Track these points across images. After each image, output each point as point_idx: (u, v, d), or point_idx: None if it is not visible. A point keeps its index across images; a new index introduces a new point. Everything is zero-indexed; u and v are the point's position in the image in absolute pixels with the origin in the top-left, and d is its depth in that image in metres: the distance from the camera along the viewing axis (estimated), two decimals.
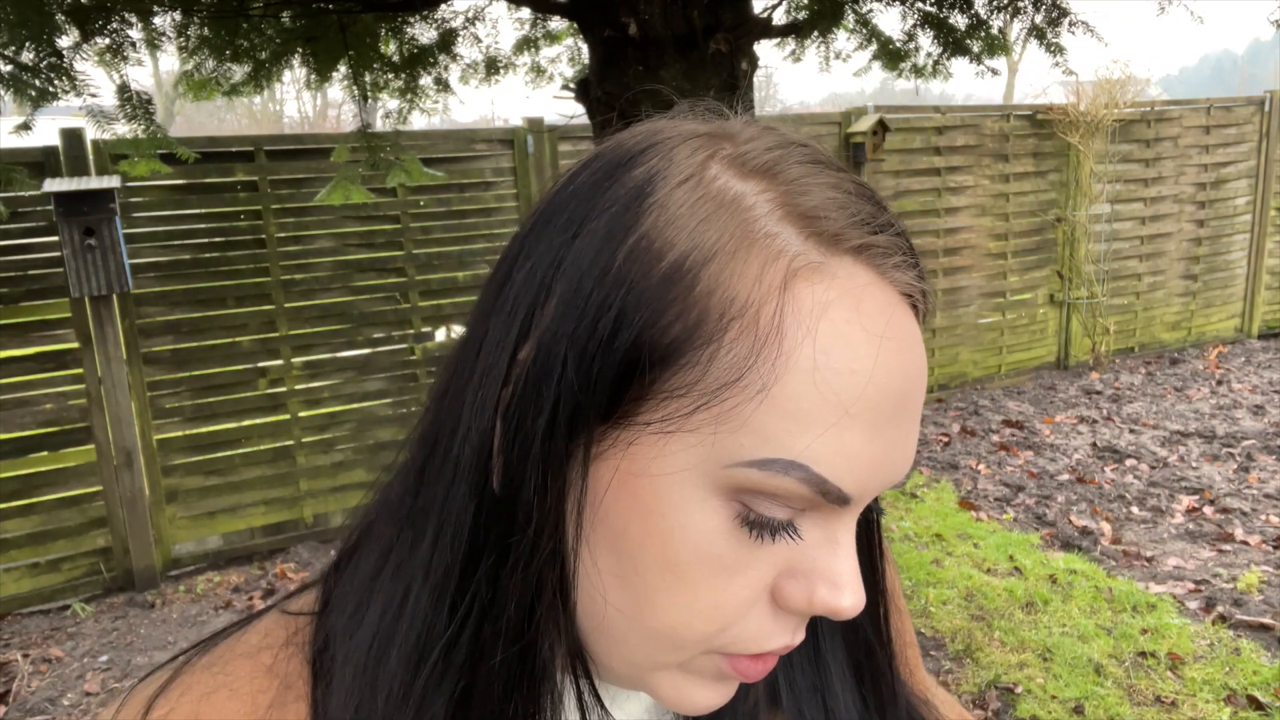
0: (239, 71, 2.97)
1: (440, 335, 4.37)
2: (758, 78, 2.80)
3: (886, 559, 0.55)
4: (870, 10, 3.14)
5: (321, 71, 2.94)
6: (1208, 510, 4.10)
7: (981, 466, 4.79)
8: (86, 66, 2.24)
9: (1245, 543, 3.76)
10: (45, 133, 3.13)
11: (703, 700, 0.41)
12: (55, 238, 3.53)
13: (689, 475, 0.36)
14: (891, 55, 3.27)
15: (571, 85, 2.76)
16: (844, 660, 0.51)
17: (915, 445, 0.39)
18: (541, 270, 0.38)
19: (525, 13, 3.50)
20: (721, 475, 0.36)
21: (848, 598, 0.38)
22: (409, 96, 3.27)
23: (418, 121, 3.63)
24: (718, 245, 0.36)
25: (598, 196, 0.39)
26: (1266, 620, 3.10)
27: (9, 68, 2.12)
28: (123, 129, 2.34)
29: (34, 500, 3.66)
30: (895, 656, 0.53)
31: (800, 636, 0.40)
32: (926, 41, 3.12)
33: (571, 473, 0.38)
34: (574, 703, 0.42)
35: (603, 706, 0.43)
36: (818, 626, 0.51)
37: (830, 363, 0.36)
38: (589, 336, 0.36)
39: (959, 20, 2.97)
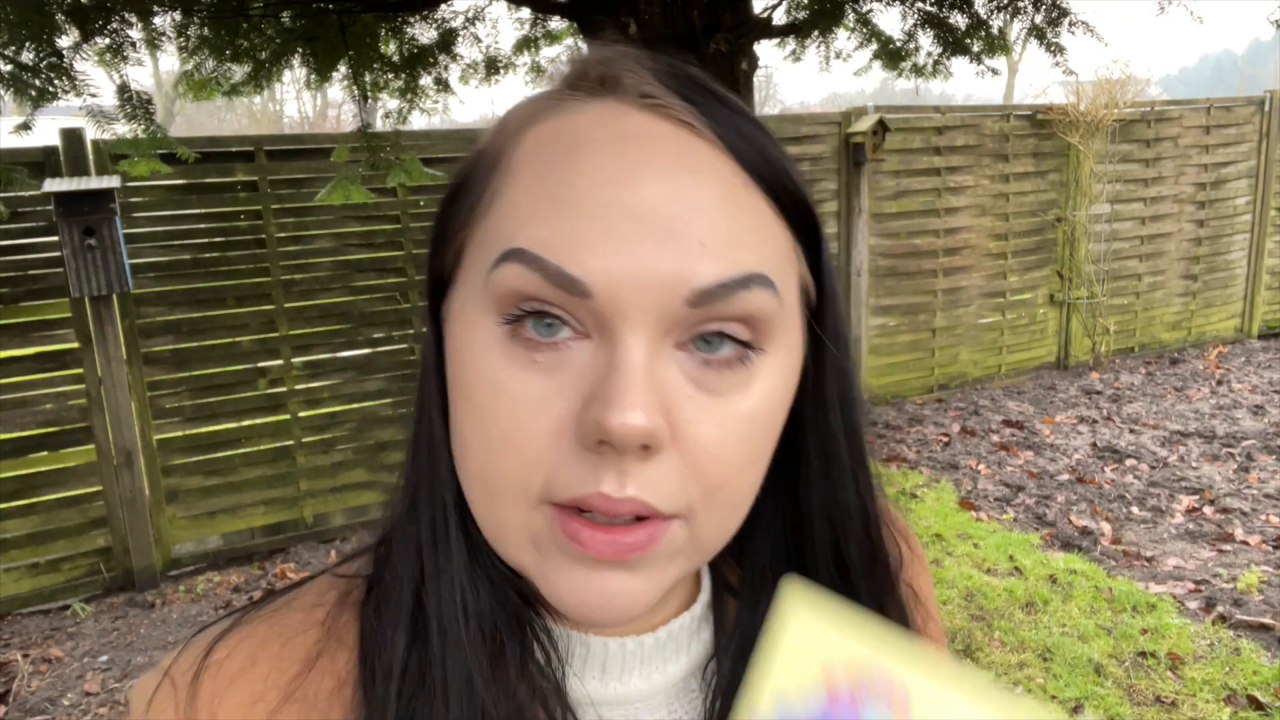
0: (239, 71, 2.97)
1: None
2: (758, 78, 2.80)
3: (917, 557, 0.56)
4: (870, 10, 3.14)
5: (321, 71, 2.94)
6: (1208, 510, 4.10)
7: (981, 466, 4.79)
8: (86, 66, 2.23)
9: (1245, 543, 3.76)
10: (45, 133, 3.13)
11: (572, 594, 0.41)
12: (55, 238, 3.53)
13: (470, 304, 0.42)
14: (892, 55, 3.27)
15: None
16: None
17: (709, 260, 0.39)
18: None
19: (525, 13, 3.50)
20: (481, 294, 0.41)
21: (615, 413, 0.36)
22: (409, 96, 3.27)
23: (418, 121, 3.62)
24: (496, 123, 0.46)
25: None
26: (1266, 620, 3.10)
27: (9, 68, 2.12)
28: (123, 129, 2.34)
29: (34, 500, 3.66)
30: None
31: (630, 487, 0.38)
32: (926, 41, 3.12)
33: (439, 347, 0.46)
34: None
35: (537, 613, 0.47)
36: None
37: (552, 168, 0.41)
38: (432, 238, 0.47)
39: (959, 20, 2.97)
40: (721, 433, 0.40)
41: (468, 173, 0.46)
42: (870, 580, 0.52)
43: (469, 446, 0.42)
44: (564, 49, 3.87)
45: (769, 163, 0.43)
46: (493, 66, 3.59)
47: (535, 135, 0.43)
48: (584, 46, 3.23)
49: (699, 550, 0.43)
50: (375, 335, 4.22)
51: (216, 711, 0.44)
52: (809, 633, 0.33)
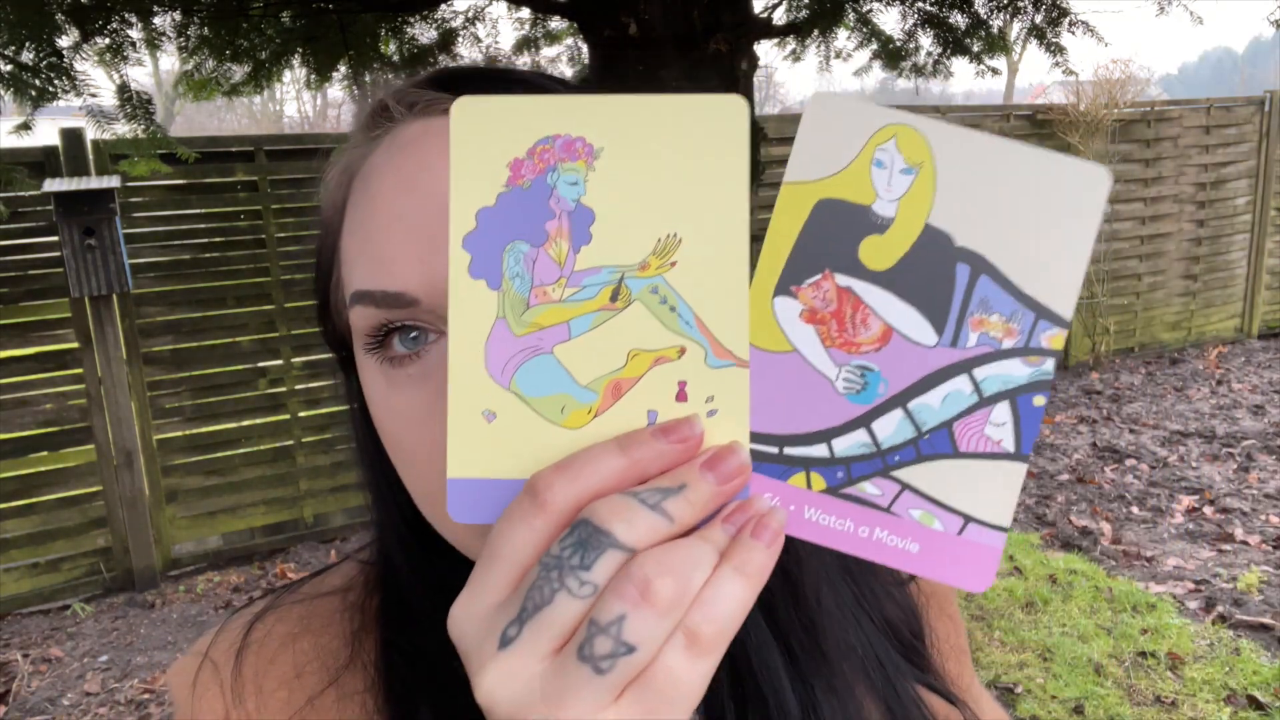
0: (239, 71, 2.96)
1: None
2: (758, 77, 2.80)
3: None
4: (870, 9, 3.14)
5: (321, 71, 2.94)
6: (1208, 510, 4.10)
7: None
8: (86, 66, 2.23)
9: (1245, 543, 3.76)
10: (45, 133, 3.13)
11: None
12: (55, 238, 3.53)
13: (359, 354, 0.45)
14: (892, 54, 3.27)
15: None
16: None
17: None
18: None
19: (525, 13, 3.50)
20: (356, 339, 0.45)
21: None
22: None
23: None
24: (321, 194, 0.51)
25: None
26: (1266, 620, 3.10)
27: (9, 68, 2.12)
28: (123, 129, 2.33)
29: (34, 500, 3.66)
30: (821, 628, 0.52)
31: None
32: (927, 41, 3.12)
33: (357, 391, 0.50)
34: None
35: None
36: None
37: (358, 208, 0.45)
38: (317, 310, 0.53)
39: (959, 20, 2.97)
40: None
41: (319, 247, 0.51)
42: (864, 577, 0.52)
43: (401, 473, 0.45)
44: (564, 49, 3.86)
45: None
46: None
47: (352, 193, 0.47)
48: (583, 47, 3.23)
49: None
50: None
51: (262, 685, 0.47)
52: (484, 141, 0.34)
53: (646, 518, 0.31)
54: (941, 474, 0.36)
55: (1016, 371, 0.36)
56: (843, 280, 0.36)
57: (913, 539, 0.36)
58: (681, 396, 0.34)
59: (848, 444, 0.36)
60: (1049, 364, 0.36)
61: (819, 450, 0.36)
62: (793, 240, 0.36)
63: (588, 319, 0.34)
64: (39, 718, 2.97)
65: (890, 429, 0.36)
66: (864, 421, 0.36)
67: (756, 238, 0.36)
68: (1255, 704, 2.66)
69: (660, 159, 0.34)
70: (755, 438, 0.36)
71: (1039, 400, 0.36)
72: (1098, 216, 0.35)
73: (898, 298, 0.36)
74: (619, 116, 0.34)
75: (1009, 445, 0.36)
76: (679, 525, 0.32)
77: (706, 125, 0.34)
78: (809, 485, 0.36)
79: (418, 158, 0.43)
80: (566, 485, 0.31)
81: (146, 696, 3.07)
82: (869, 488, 0.36)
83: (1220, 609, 3.20)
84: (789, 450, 0.36)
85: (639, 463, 0.32)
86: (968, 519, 0.36)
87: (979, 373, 0.36)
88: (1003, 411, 0.36)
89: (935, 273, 0.35)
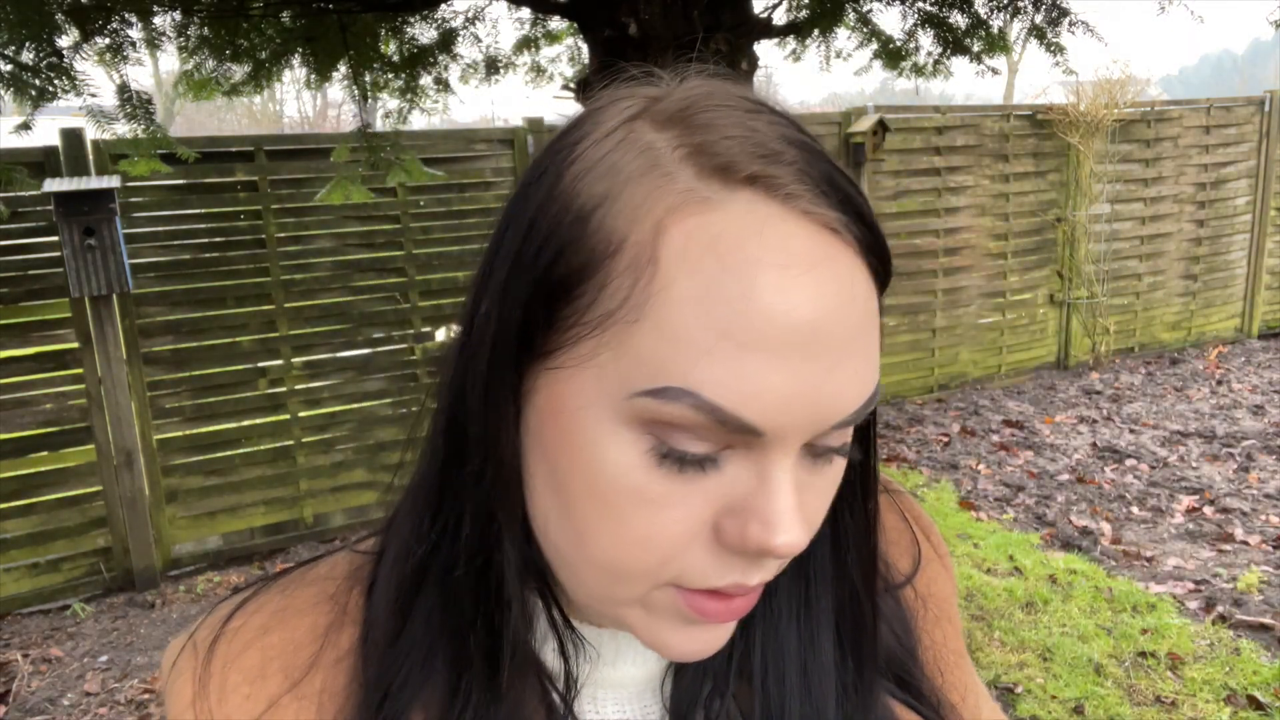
0: (239, 71, 2.97)
1: (440, 335, 4.37)
2: (758, 78, 2.80)
3: (939, 556, 0.59)
4: (870, 9, 3.14)
5: (321, 71, 2.94)
6: (1208, 510, 4.10)
7: (981, 466, 4.79)
8: (86, 66, 2.23)
9: (1245, 543, 3.76)
10: (45, 133, 3.13)
11: (677, 644, 0.42)
12: (55, 238, 3.53)
13: (598, 409, 0.39)
14: (892, 54, 3.27)
15: (571, 85, 2.76)
16: (830, 623, 0.51)
17: (858, 381, 0.39)
18: (494, 238, 0.44)
19: (525, 13, 3.50)
20: (625, 407, 0.38)
21: (780, 535, 0.38)
22: (409, 96, 3.27)
23: (418, 121, 3.63)
24: (610, 190, 0.39)
25: (539, 164, 0.43)
26: (1266, 620, 3.10)
27: (9, 67, 2.12)
28: (123, 129, 2.34)
29: (34, 500, 3.66)
30: (879, 614, 0.53)
31: (757, 577, 0.40)
32: (927, 41, 3.12)
33: (508, 407, 0.42)
34: (548, 628, 0.47)
35: (570, 626, 0.47)
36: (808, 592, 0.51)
37: (717, 292, 0.37)
38: (512, 281, 0.41)
39: (959, 20, 2.97)
40: (820, 504, 0.43)
41: (587, 257, 0.39)
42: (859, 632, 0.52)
43: (594, 537, 0.40)
44: (564, 49, 3.87)
45: (875, 236, 0.41)
46: (493, 66, 3.59)
47: (683, 234, 0.38)
48: (583, 47, 3.23)
49: None
50: (375, 335, 4.22)
51: (228, 676, 0.47)
52: None
53: None
54: None
55: None
56: None
57: None
58: None
59: None
60: None
61: None
62: None
63: None
64: (39, 718, 2.97)
65: None
66: None
67: None
68: (1255, 704, 2.66)
69: None
70: None
71: None
72: None
73: None
74: None
75: None
76: None
77: None
78: None
79: (813, 286, 0.37)
80: None
81: (146, 696, 3.07)
82: None
83: (1220, 609, 3.20)
84: None
85: None
86: None
87: None
88: None
89: None
